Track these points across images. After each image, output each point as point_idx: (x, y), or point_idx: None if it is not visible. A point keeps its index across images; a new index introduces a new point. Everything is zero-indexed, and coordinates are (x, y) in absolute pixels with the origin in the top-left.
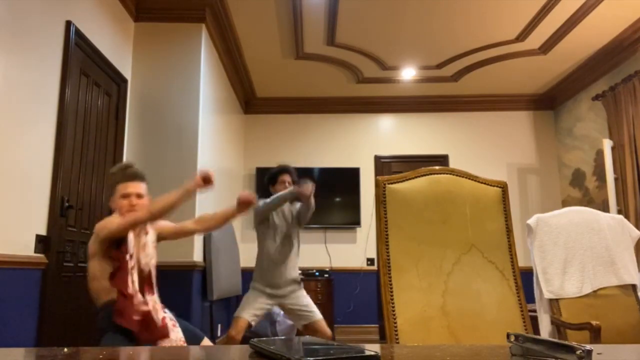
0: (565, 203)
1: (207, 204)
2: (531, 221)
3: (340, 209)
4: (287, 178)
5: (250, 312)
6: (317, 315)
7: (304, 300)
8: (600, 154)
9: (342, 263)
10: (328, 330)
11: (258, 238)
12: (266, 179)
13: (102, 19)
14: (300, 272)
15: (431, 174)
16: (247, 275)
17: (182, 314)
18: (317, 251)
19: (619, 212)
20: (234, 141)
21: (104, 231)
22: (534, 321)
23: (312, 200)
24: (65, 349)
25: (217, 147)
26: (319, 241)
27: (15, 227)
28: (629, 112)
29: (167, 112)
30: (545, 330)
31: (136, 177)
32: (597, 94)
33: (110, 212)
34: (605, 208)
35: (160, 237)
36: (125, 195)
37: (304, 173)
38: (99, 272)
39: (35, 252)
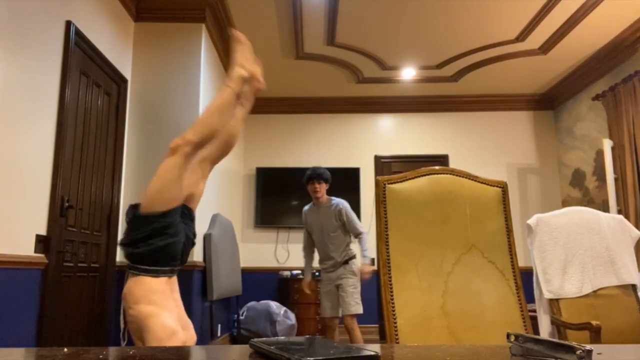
0: (565, 203)
1: (207, 202)
2: (531, 221)
3: None
4: (315, 186)
5: (326, 307)
6: (347, 309)
7: (348, 282)
8: (600, 154)
9: None
10: (353, 329)
11: None
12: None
13: (102, 19)
14: (342, 257)
15: (431, 174)
16: (247, 275)
17: None
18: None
19: (619, 212)
20: None
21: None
22: (534, 321)
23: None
24: (65, 349)
25: None
26: None
27: (15, 227)
28: (629, 112)
29: (167, 112)
30: (545, 330)
31: None
32: (597, 94)
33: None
34: (605, 208)
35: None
36: None
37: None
38: None
39: (35, 252)
